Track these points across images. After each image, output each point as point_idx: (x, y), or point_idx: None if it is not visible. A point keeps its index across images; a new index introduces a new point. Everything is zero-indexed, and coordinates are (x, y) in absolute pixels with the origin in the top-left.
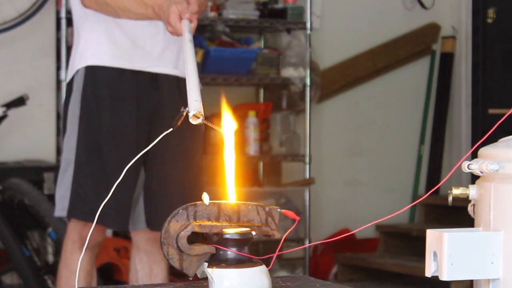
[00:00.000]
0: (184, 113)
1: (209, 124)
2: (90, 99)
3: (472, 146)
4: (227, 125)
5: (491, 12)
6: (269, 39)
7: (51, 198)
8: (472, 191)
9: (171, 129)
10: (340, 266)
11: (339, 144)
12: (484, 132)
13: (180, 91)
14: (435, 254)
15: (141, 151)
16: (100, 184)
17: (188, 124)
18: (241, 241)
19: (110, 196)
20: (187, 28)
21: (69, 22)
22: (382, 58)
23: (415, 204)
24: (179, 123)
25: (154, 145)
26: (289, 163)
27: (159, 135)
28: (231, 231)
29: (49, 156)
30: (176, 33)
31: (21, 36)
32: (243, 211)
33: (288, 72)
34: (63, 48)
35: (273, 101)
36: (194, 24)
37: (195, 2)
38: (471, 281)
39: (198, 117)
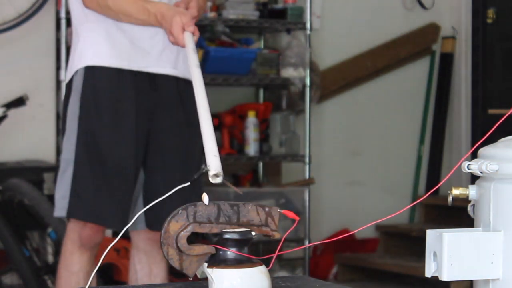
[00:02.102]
0: (204, 171)
1: (228, 184)
2: (89, 99)
3: (472, 146)
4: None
5: (491, 12)
6: (269, 39)
7: (51, 198)
8: (472, 191)
9: (189, 183)
10: (340, 266)
11: (339, 144)
12: (484, 132)
13: (179, 91)
14: (435, 254)
15: (140, 151)
16: (100, 184)
17: (187, 124)
18: (241, 241)
19: (110, 197)
20: (191, 40)
21: (69, 22)
22: (382, 58)
23: (415, 204)
24: (196, 177)
25: (154, 145)
26: (289, 163)
27: (158, 136)
28: (231, 231)
29: (49, 156)
30: (177, 44)
31: (21, 36)
32: (243, 211)
33: (288, 72)
34: (63, 48)
35: (273, 101)
36: (196, 37)
37: (195, 7)
38: (471, 281)
39: (218, 176)
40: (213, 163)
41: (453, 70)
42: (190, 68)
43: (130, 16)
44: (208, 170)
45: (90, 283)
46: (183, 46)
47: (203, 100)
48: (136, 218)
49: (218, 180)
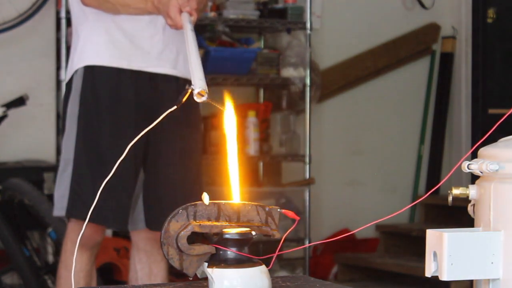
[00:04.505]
0: (189, 91)
1: (213, 103)
2: (89, 98)
3: (472, 146)
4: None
5: (491, 12)
6: (269, 39)
7: (51, 198)
8: (472, 191)
9: (175, 107)
10: (340, 266)
11: (339, 144)
12: (484, 132)
13: (179, 91)
14: (435, 254)
15: (139, 151)
16: (99, 183)
17: (187, 124)
18: (241, 241)
19: (109, 196)
20: (187, 20)
21: (69, 22)
22: (382, 58)
23: (415, 204)
24: (183, 100)
25: (154, 144)
26: (289, 163)
27: (158, 135)
28: (231, 231)
29: (49, 156)
30: (175, 26)
31: (21, 36)
32: (243, 211)
33: (288, 72)
34: (63, 48)
35: (273, 101)
36: (194, 18)
37: None
38: (471, 281)
39: (203, 95)
40: (198, 83)
41: (453, 70)
42: (185, 32)
43: (127, 6)
44: (193, 89)
45: (90, 283)
46: (181, 28)
47: (192, 41)
48: (136, 218)
49: (204, 98)
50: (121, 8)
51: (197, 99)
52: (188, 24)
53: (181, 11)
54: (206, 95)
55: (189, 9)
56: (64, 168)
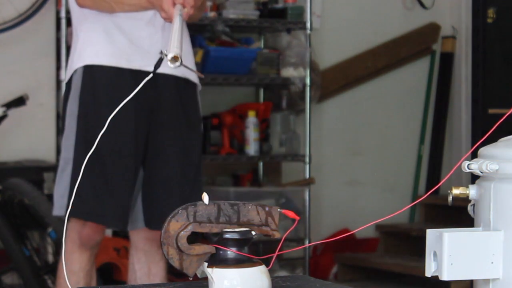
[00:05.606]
0: (164, 56)
1: (187, 68)
2: (89, 98)
3: (472, 146)
4: None
5: (491, 12)
6: (269, 39)
7: (51, 198)
8: (472, 191)
9: (151, 74)
10: (340, 266)
11: (339, 144)
12: (484, 132)
13: (179, 91)
14: (435, 254)
15: (140, 150)
16: (99, 183)
17: (187, 123)
18: (241, 241)
19: (109, 196)
20: (179, 10)
21: (69, 22)
22: (382, 58)
23: (415, 204)
24: (159, 65)
25: (153, 144)
26: (289, 163)
27: (157, 134)
28: (231, 231)
29: (49, 156)
30: (169, 18)
31: (21, 36)
32: (243, 211)
33: (288, 72)
34: (63, 48)
35: (273, 101)
36: (187, 9)
37: None
38: (471, 281)
39: (177, 60)
40: (172, 49)
41: (453, 70)
42: (174, 19)
43: (122, 3)
44: (166, 55)
45: (90, 283)
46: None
47: (179, 23)
48: (135, 217)
49: (177, 64)
50: (116, 6)
51: (171, 64)
52: (178, 13)
53: (174, 4)
54: (179, 61)
55: (181, 1)
56: (63, 168)
